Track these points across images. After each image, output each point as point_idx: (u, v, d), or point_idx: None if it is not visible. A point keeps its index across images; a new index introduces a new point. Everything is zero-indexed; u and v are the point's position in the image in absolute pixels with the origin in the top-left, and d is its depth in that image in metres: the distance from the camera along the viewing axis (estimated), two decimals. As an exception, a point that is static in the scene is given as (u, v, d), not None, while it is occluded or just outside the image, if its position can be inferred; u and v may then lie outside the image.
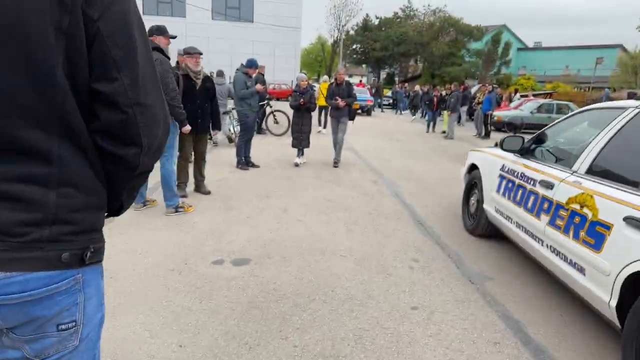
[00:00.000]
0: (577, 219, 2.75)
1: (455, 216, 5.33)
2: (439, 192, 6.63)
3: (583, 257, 2.62)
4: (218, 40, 34.51)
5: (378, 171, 7.98)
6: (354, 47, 43.77)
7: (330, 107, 8.32)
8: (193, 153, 5.75)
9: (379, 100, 26.55)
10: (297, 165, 7.90)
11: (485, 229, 4.46)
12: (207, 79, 5.44)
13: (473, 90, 19.25)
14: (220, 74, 10.36)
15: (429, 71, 34.96)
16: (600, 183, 2.70)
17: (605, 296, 2.41)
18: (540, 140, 3.95)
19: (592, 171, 2.88)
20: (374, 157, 9.53)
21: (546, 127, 4.11)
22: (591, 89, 30.03)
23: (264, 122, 12.39)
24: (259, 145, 9.97)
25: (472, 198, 4.83)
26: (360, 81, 37.06)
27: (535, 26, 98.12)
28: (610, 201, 2.51)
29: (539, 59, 45.34)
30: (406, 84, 30.29)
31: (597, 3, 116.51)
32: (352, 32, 43.60)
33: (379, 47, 37.22)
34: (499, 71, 33.76)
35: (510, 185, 3.84)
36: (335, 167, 8.00)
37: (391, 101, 27.75)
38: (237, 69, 7.45)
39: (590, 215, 2.63)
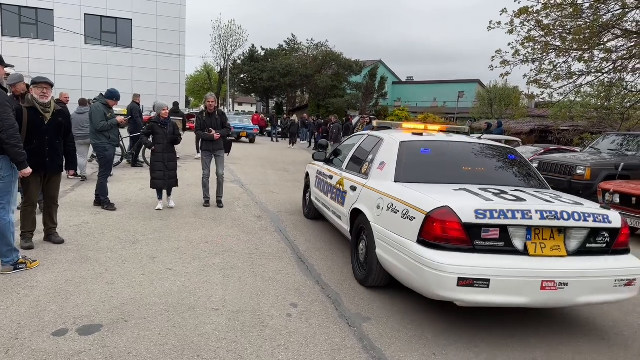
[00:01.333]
0: (338, 192, 5.26)
1: (336, 251, 5.28)
2: (323, 225, 6.59)
3: (340, 210, 5.08)
4: (93, 66, 32.00)
5: (263, 205, 7.74)
6: (242, 76, 43.71)
7: (200, 140, 7.38)
8: (43, 197, 4.97)
9: (274, 131, 27.19)
10: (161, 209, 6.73)
11: (313, 213, 6.74)
12: (60, 113, 4.75)
13: (354, 121, 20.19)
14: (84, 102, 9.44)
15: (315, 102, 36.14)
16: (348, 173, 5.17)
17: (347, 227, 4.82)
18: (335, 153, 6.28)
19: (347, 168, 5.36)
20: (261, 189, 9.29)
21: (339, 145, 6.53)
22: (456, 119, 33.55)
23: (140, 154, 11.50)
24: (132, 180, 9.17)
25: (307, 194, 7.08)
26: (257, 113, 37.02)
27: (407, 62, 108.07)
28: (347, 181, 5.01)
29: (411, 92, 49.74)
30: (294, 114, 30.92)
31: (458, 44, 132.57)
32: (239, 61, 43.56)
33: (266, 78, 37.59)
34: (377, 103, 36.13)
35: (319, 180, 6.20)
36: (220, 206, 7.21)
37: (281, 130, 28.18)
38: (94, 99, 6.84)
39: (342, 189, 5.12)
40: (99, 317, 3.23)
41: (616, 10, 12.23)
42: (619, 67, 13.04)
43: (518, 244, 3.24)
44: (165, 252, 4.84)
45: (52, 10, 31.33)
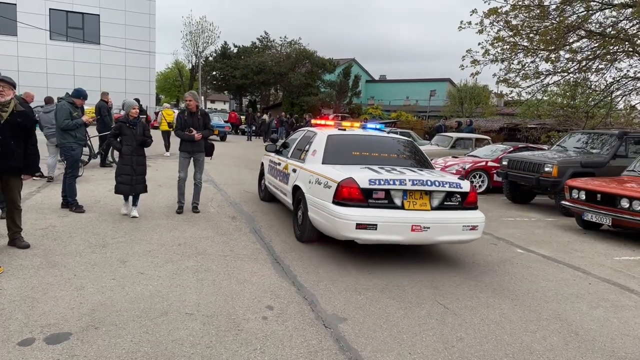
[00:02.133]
0: (284, 175, 6.49)
1: (312, 250, 5.27)
2: (297, 225, 6.57)
3: (285, 188, 6.35)
4: (59, 62, 30.96)
5: (238, 205, 7.66)
6: (214, 73, 43.11)
7: (180, 140, 6.78)
8: (4, 200, 4.76)
9: (249, 130, 26.85)
10: (129, 215, 6.31)
11: (267, 196, 7.96)
12: (21, 114, 4.54)
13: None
14: (50, 100, 9.16)
15: (289, 99, 35.99)
16: (291, 160, 6.44)
17: (290, 201, 6.09)
18: (283, 145, 7.50)
19: (291, 156, 6.59)
20: (235, 189, 9.19)
21: (287, 139, 7.79)
22: (428, 118, 34.04)
23: (109, 154, 11.22)
24: (101, 180, 8.92)
25: (261, 181, 8.33)
26: (233, 111, 36.43)
27: (380, 61, 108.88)
28: (291, 165, 6.29)
29: (384, 90, 50.21)
30: (265, 113, 30.72)
31: (429, 43, 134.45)
32: (211, 58, 42.94)
33: (239, 75, 37.19)
34: (351, 101, 36.27)
35: (271, 168, 7.46)
36: (195, 212, 6.78)
37: (255, 128, 27.92)
38: (60, 98, 6.62)
39: (287, 172, 6.40)
40: (67, 324, 3.13)
41: (581, 12, 12.64)
42: (584, 68, 13.49)
43: (397, 201, 4.78)
44: (136, 255, 4.72)
45: (15, 4, 30.12)
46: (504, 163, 9.79)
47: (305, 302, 3.80)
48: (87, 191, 7.77)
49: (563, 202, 7.64)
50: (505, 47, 13.80)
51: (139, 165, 6.34)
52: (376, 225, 4.56)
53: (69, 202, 6.46)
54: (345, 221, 4.58)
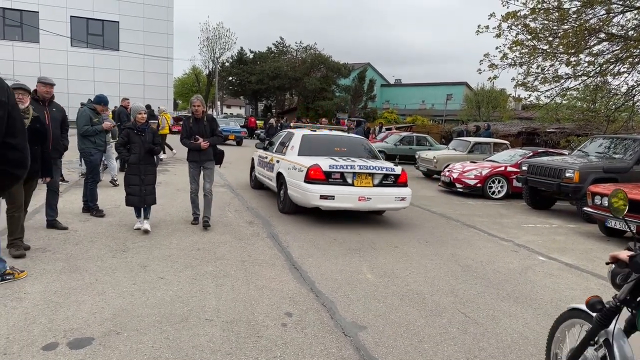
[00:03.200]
0: (270, 165, 8.36)
1: (330, 257, 5.25)
2: (316, 230, 6.55)
3: (271, 175, 8.18)
4: (79, 69, 31.65)
5: (255, 210, 7.69)
6: (230, 79, 43.51)
7: (188, 150, 6.30)
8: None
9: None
10: (140, 229, 5.81)
11: (256, 184, 9.68)
12: (37, 120, 4.65)
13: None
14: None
15: (304, 104, 36.12)
16: (276, 154, 8.16)
17: (275, 184, 8.00)
18: (269, 143, 9.24)
19: (275, 151, 8.34)
20: (252, 194, 9.23)
21: (273, 137, 9.60)
22: (444, 122, 33.78)
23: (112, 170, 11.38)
24: (122, 186, 9.02)
25: (252, 172, 10.01)
26: (252, 116, 36.68)
27: (395, 64, 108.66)
28: (275, 157, 8.15)
29: (400, 94, 50.01)
30: (272, 118, 30.80)
31: (444, 46, 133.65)
32: (227, 64, 43.36)
33: (254, 80, 37.48)
34: (366, 105, 36.22)
35: (260, 161, 9.26)
36: (206, 227, 6.14)
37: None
38: (82, 104, 6.75)
39: (272, 163, 8.26)
40: (90, 329, 3.16)
41: (602, 15, 12.42)
42: (605, 71, 13.23)
43: (349, 180, 6.78)
44: (156, 260, 4.77)
45: (37, 12, 30.93)
46: (524, 168, 9.64)
47: (324, 309, 3.78)
48: (107, 196, 7.88)
49: (585, 208, 7.47)
50: (523, 50, 13.63)
51: (148, 175, 5.88)
52: (334, 196, 6.67)
53: (90, 206, 6.56)
54: (312, 194, 6.64)
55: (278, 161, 7.90)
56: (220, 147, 6.66)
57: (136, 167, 5.80)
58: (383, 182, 6.95)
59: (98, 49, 32.63)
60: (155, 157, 6.16)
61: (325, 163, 6.76)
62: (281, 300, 3.92)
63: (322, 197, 6.58)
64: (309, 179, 6.68)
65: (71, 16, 31.81)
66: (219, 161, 6.56)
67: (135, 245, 5.23)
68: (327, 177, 6.69)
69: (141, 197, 5.81)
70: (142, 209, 5.91)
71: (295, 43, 41.79)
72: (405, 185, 7.12)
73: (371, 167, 6.90)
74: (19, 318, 3.28)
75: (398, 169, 7.12)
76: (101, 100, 6.85)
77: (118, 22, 33.10)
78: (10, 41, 30.53)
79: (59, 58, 31.33)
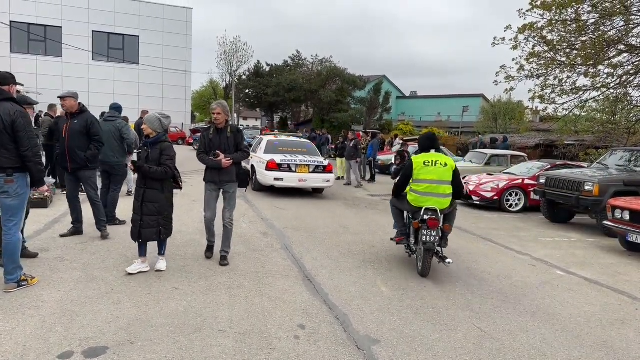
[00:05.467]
0: (248, 160, 11.33)
1: (343, 269, 5.22)
2: (329, 241, 6.54)
3: (247, 167, 11.47)
4: (100, 82, 32.43)
5: (269, 221, 7.71)
6: (247, 91, 43.99)
7: (205, 168, 5.20)
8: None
9: None
10: (132, 273, 4.56)
11: (257, 186, 11.22)
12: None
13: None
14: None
15: (319, 116, 36.26)
16: (252, 153, 11.59)
17: (250, 172, 11.00)
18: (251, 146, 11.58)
19: (252, 150, 11.76)
20: (266, 204, 9.27)
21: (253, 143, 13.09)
22: (460, 134, 33.54)
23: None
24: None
25: (253, 176, 11.45)
26: (266, 127, 37.06)
27: (410, 77, 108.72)
28: (252, 154, 11.40)
29: (415, 106, 49.92)
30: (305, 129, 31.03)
31: (461, 57, 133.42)
32: (244, 77, 43.90)
33: (270, 93, 37.80)
34: (381, 117, 36.19)
35: (257, 163, 11.39)
36: (224, 263, 5.11)
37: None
38: (103, 113, 6.94)
39: (250, 158, 11.39)
40: (104, 338, 3.19)
41: (620, 27, 12.27)
42: (625, 82, 13.02)
43: (293, 169, 10.56)
44: (171, 270, 4.80)
45: (61, 27, 31.87)
46: (542, 181, 9.49)
47: (337, 322, 3.75)
48: (125, 206, 7.99)
49: (605, 222, 7.31)
50: (540, 62, 13.52)
51: (149, 202, 4.59)
52: (283, 178, 10.49)
53: (108, 217, 6.65)
54: (269, 177, 10.51)
55: (251, 157, 11.49)
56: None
57: (138, 190, 4.69)
58: (315, 170, 10.74)
59: (118, 63, 33.42)
60: (166, 183, 4.74)
61: (278, 158, 10.66)
62: (294, 312, 3.90)
63: (276, 179, 10.45)
64: (268, 168, 10.49)
65: (93, 31, 32.71)
66: (243, 183, 5.33)
67: (150, 255, 5.27)
68: (279, 167, 10.48)
69: (136, 229, 4.61)
70: (140, 243, 4.71)
71: (311, 56, 42.20)
72: (330, 172, 10.99)
73: (308, 161, 10.83)
74: (36, 326, 3.33)
75: (325, 162, 11.01)
76: (121, 109, 7.09)
77: (138, 36, 33.91)
78: (34, 55, 31.49)
79: (81, 71, 32.16)
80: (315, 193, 11.59)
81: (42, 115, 11.62)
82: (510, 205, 10.66)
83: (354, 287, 4.65)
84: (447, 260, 4.99)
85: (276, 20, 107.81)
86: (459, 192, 5.30)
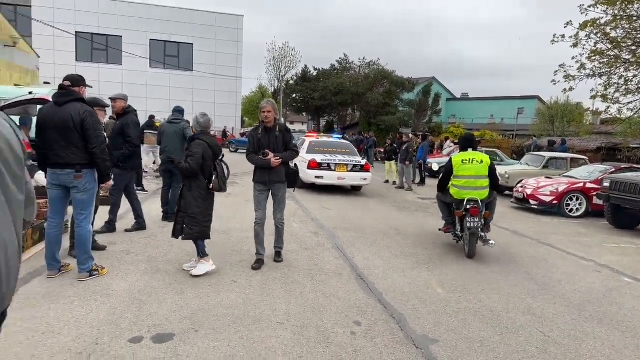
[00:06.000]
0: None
1: (396, 270, 5.19)
2: (381, 242, 6.51)
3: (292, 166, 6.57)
4: (156, 88, 33.94)
5: (318, 221, 7.78)
6: (294, 96, 44.60)
7: (255, 168, 5.12)
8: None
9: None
10: (204, 273, 4.54)
11: (300, 184, 10.04)
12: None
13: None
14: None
15: (366, 119, 36.13)
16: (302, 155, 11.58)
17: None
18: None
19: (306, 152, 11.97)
20: (315, 205, 9.36)
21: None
22: (515, 137, 32.32)
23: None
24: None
25: (299, 177, 9.73)
26: (312, 130, 37.46)
27: (461, 78, 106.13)
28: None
29: (467, 108, 48.59)
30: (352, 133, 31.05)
31: (515, 58, 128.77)
32: (292, 82, 44.56)
33: (317, 97, 38.11)
34: (431, 120, 35.54)
35: (299, 163, 11.32)
36: (278, 260, 5.20)
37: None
38: (175, 120, 7.20)
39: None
40: (171, 326, 3.35)
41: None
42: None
43: (332, 168, 11.22)
44: (229, 264, 4.97)
45: (121, 36, 33.68)
46: (606, 185, 8.98)
47: (394, 321, 3.73)
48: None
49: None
50: (603, 60, 12.84)
51: (180, 198, 4.64)
52: (323, 176, 11.11)
53: (169, 213, 6.94)
54: (310, 175, 11.12)
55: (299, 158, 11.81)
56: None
57: (188, 189, 4.62)
58: (353, 169, 11.37)
59: (174, 70, 34.87)
60: (194, 181, 4.58)
61: (319, 157, 11.31)
62: (349, 309, 3.92)
63: (316, 177, 11.11)
64: (309, 167, 11.14)
65: (150, 39, 34.32)
66: (292, 184, 5.27)
67: (209, 250, 5.46)
68: (319, 166, 11.14)
69: (176, 226, 4.63)
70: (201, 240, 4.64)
71: (359, 59, 42.15)
72: (368, 171, 11.64)
73: (346, 160, 11.51)
74: (107, 312, 3.55)
75: (363, 162, 11.78)
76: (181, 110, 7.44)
77: (192, 44, 35.24)
78: (97, 63, 33.45)
79: (139, 78, 33.82)
80: (354, 191, 12.26)
81: (108, 119, 12.30)
82: (571, 210, 10.16)
83: (408, 287, 4.61)
84: (491, 242, 5.87)
85: (322, 24, 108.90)
86: (496, 185, 6.16)
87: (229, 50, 36.03)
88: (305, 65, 44.84)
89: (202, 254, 4.62)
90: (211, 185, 4.62)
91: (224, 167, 4.80)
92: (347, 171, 11.22)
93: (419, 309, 4.02)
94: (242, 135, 31.98)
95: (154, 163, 13.35)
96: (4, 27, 16.96)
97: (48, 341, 3.02)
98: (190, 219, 4.52)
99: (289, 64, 46.21)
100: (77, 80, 4.36)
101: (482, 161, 5.98)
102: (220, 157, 4.76)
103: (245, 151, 5.50)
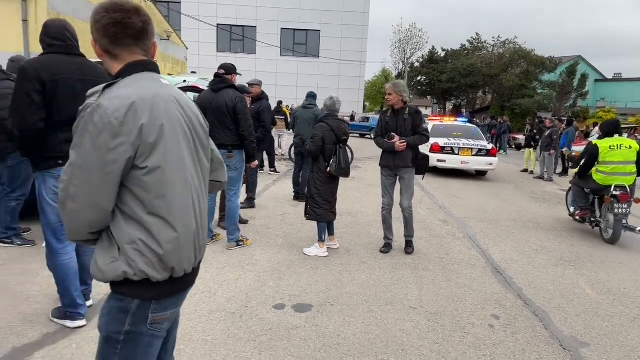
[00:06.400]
0: None
1: (537, 265, 4.80)
2: (519, 235, 6.08)
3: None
4: (286, 75, 35.74)
5: (447, 209, 7.53)
6: (419, 78, 43.39)
7: (382, 152, 4.99)
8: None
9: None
10: (313, 255, 4.62)
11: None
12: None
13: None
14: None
15: (499, 102, 33.66)
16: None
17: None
18: None
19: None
20: (442, 193, 9.06)
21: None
22: (684, 123, 27.31)
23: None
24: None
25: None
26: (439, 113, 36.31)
27: (613, 56, 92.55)
28: None
29: (620, 90, 42.30)
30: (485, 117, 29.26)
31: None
32: (417, 64, 43.35)
33: (445, 79, 36.55)
34: (575, 103, 31.74)
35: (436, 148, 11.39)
36: (409, 251, 4.98)
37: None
38: (309, 105, 7.47)
39: None
40: (308, 298, 3.57)
41: None
42: None
43: (456, 151, 11.16)
44: (357, 246, 5.09)
45: (255, 27, 36.01)
46: None
47: (536, 319, 3.47)
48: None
49: None
50: None
51: (309, 181, 4.80)
52: (445, 160, 11.07)
53: (299, 194, 7.33)
54: (432, 158, 10.40)
55: None
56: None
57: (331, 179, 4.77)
58: (478, 153, 11.19)
59: (302, 57, 36.29)
60: (316, 162, 4.71)
61: (442, 141, 11.23)
62: (485, 301, 3.75)
63: (439, 160, 11.04)
64: (431, 150, 10.89)
65: (281, 28, 36.12)
66: (421, 170, 5.02)
67: (338, 231, 5.65)
68: (442, 149, 11.11)
69: (306, 206, 4.81)
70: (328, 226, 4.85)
71: (492, 38, 39.30)
72: (494, 156, 11.40)
73: (471, 144, 11.29)
74: (253, 279, 3.90)
75: (489, 146, 11.44)
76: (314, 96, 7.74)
77: (319, 30, 36.22)
78: (234, 53, 36.26)
79: (270, 66, 35.91)
80: (479, 176, 11.95)
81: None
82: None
83: (552, 285, 4.24)
84: (638, 229, 5.74)
85: (452, 5, 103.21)
86: None
87: (355, 35, 36.23)
88: (433, 47, 43.35)
89: (319, 237, 4.73)
90: (328, 168, 4.61)
91: (348, 151, 4.79)
92: (472, 155, 11.12)
93: (565, 309, 3.68)
94: (363, 120, 32.12)
95: (280, 147, 13.84)
96: (159, 21, 19.29)
97: (206, 299, 3.43)
98: (312, 201, 4.67)
99: (415, 46, 44.97)
100: (229, 69, 4.80)
101: (630, 147, 5.94)
102: (343, 141, 4.71)
103: (372, 136, 5.70)
